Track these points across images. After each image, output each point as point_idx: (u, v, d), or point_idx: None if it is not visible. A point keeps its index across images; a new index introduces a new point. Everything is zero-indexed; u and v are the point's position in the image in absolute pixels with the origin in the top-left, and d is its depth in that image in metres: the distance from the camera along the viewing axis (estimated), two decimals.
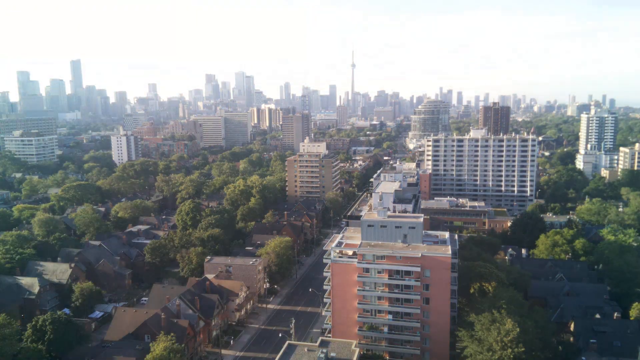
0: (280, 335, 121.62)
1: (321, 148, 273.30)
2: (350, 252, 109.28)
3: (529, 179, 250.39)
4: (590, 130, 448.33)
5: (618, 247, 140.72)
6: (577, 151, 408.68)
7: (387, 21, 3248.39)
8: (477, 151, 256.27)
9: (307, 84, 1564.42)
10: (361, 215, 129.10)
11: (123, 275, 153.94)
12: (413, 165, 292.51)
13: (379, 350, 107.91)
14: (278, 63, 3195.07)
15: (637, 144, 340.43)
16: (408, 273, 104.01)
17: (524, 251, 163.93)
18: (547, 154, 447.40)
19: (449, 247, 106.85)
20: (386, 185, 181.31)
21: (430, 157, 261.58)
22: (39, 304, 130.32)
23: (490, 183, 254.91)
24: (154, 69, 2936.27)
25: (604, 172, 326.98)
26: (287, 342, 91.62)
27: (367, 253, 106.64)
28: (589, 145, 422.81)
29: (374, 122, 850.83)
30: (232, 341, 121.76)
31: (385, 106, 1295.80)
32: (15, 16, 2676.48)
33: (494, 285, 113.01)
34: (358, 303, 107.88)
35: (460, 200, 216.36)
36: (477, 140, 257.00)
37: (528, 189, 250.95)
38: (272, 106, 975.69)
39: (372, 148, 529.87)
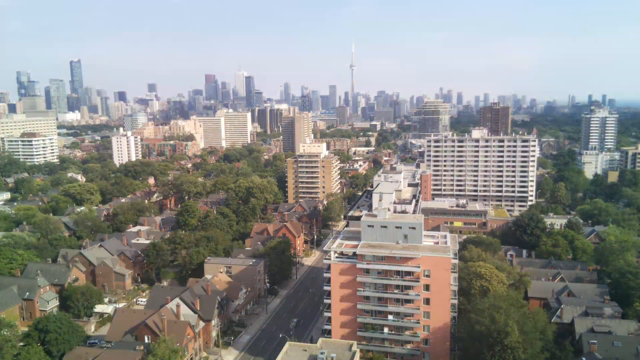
0: (280, 335, 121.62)
1: (321, 148, 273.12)
2: (350, 253, 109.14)
3: (529, 179, 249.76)
4: (590, 131, 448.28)
5: (618, 247, 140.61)
6: (577, 151, 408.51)
7: (388, 21, 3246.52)
8: (477, 151, 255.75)
9: (307, 84, 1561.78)
10: (361, 216, 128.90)
11: (123, 275, 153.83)
12: (413, 165, 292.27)
13: (379, 351, 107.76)
14: (278, 63, 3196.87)
15: (638, 144, 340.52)
16: (408, 273, 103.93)
17: (524, 251, 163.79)
18: (547, 154, 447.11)
19: (449, 247, 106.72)
20: (386, 186, 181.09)
21: (430, 158, 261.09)
22: (38, 305, 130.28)
23: (491, 183, 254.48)
24: (154, 69, 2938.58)
25: (605, 172, 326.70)
26: (287, 342, 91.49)
27: (367, 253, 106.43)
28: (589, 146, 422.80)
29: (374, 123, 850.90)
30: (232, 342, 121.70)
31: (385, 106, 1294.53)
32: (15, 16, 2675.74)
33: (494, 286, 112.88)
34: (358, 304, 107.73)
35: (461, 200, 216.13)
36: (477, 141, 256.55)
37: (528, 189, 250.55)
38: (272, 106, 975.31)
39: (372, 148, 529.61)
